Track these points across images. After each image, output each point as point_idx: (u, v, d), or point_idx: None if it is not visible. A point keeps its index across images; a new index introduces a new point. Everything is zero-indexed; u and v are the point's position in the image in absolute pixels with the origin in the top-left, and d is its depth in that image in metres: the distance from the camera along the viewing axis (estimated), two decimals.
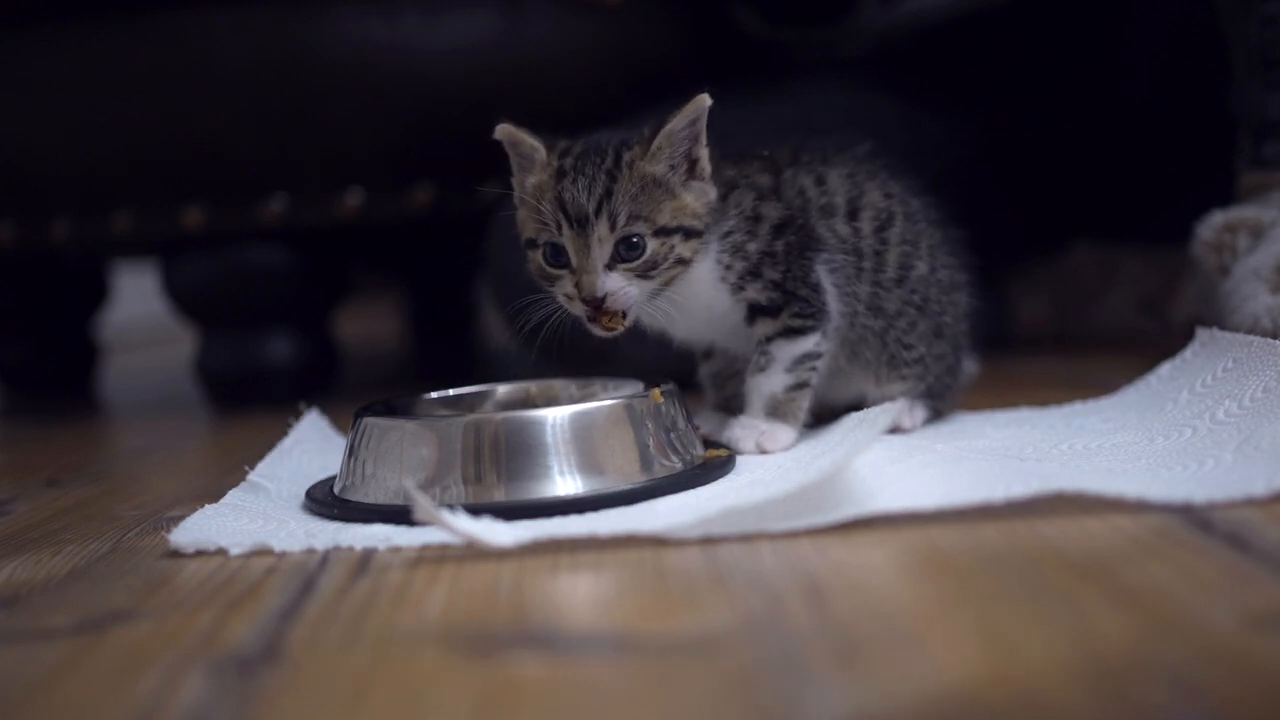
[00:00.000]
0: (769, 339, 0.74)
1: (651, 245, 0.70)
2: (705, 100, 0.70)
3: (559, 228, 0.70)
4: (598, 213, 0.69)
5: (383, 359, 1.95)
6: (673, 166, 0.71)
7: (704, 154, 0.72)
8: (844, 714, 0.35)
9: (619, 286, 0.70)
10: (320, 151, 1.22)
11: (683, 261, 0.72)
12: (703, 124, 0.71)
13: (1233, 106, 0.98)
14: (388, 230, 1.40)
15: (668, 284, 0.72)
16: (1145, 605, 0.42)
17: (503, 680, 0.40)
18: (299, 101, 1.19)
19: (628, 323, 0.72)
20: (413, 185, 1.23)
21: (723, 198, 0.74)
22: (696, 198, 0.72)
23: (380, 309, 2.40)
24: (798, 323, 0.74)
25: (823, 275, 0.74)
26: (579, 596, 0.50)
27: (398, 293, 2.13)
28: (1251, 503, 0.53)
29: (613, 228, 0.69)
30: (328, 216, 1.22)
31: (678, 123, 0.70)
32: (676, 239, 0.71)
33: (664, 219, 0.70)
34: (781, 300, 0.74)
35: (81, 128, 1.22)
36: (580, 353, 1.07)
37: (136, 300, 2.05)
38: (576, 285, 0.70)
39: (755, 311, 0.74)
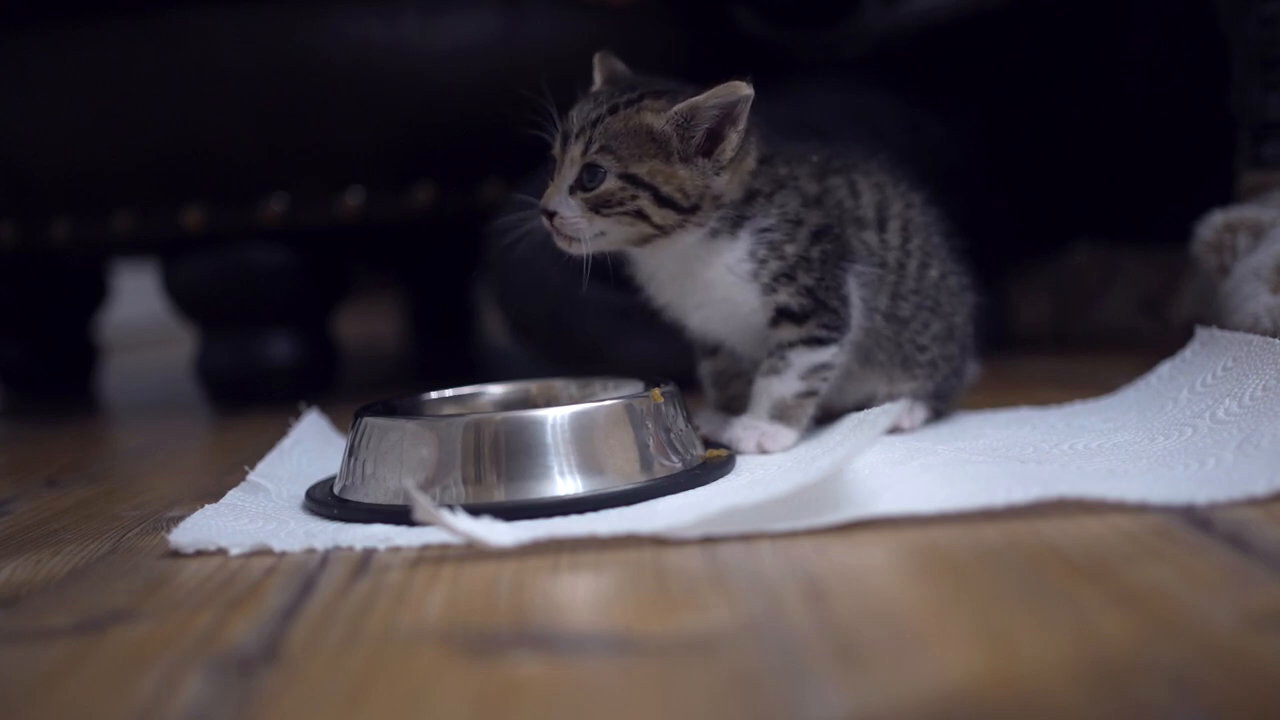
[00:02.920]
0: (789, 344, 0.74)
1: (610, 182, 0.70)
2: (741, 88, 0.68)
3: (556, 140, 0.72)
4: (579, 135, 0.71)
5: (383, 359, 1.95)
6: (682, 135, 0.70)
7: (733, 138, 0.70)
8: (844, 714, 0.35)
9: (571, 214, 0.71)
10: (320, 151, 1.22)
11: (645, 218, 0.71)
12: (740, 112, 0.69)
13: (1233, 106, 0.98)
14: (388, 230, 1.40)
15: (641, 238, 0.72)
16: (1145, 605, 0.42)
17: (502, 680, 0.40)
18: (299, 101, 1.19)
19: (582, 250, 0.72)
20: (413, 185, 1.23)
21: (769, 195, 0.74)
22: (692, 175, 0.71)
23: (380, 309, 2.41)
24: (822, 333, 0.74)
25: (852, 288, 0.75)
26: (579, 596, 0.50)
27: (398, 293, 2.13)
28: (1252, 502, 0.53)
29: (584, 152, 0.70)
30: (328, 216, 1.22)
31: (704, 100, 0.69)
32: (645, 196, 0.70)
33: (638, 169, 0.70)
34: (811, 308, 0.73)
35: (81, 128, 1.22)
36: (577, 350, 1.08)
37: (136, 300, 2.05)
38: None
39: (781, 315, 0.74)
